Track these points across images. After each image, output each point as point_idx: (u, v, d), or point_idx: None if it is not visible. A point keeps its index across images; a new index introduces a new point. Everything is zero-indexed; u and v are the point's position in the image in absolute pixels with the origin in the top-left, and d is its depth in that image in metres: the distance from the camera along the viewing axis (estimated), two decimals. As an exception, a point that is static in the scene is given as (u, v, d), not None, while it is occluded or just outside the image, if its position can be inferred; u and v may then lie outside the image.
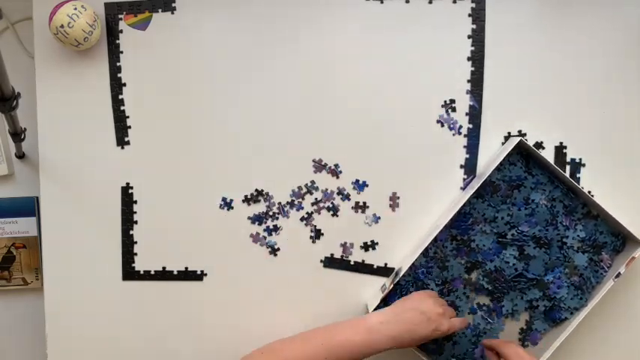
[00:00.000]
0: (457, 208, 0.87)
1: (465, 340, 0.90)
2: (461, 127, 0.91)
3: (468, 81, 0.91)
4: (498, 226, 0.90)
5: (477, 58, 0.91)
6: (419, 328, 0.77)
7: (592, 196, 0.90)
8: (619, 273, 0.86)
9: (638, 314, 0.91)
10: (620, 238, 0.90)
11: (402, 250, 0.92)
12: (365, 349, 0.77)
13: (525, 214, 0.89)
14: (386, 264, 0.92)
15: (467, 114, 0.91)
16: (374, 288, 0.92)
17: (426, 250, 0.89)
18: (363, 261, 0.92)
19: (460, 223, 0.90)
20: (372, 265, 0.92)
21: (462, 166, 0.91)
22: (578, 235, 0.89)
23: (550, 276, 0.89)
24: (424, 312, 0.78)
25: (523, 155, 0.90)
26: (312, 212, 0.92)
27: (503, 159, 0.87)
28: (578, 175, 0.91)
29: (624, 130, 0.91)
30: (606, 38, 0.90)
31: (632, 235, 0.87)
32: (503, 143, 0.91)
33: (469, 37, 0.91)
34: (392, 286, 0.87)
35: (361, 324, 0.78)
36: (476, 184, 0.87)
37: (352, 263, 0.92)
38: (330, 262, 0.92)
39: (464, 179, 0.91)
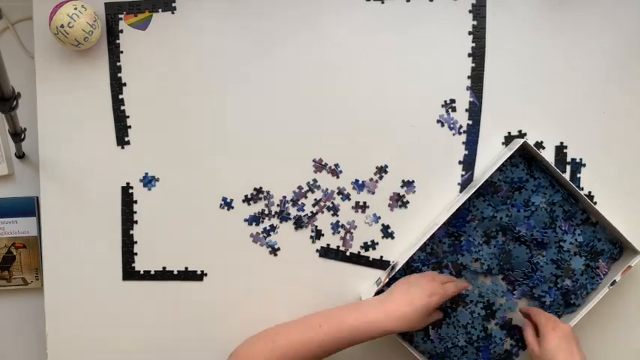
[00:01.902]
0: (457, 206, 0.87)
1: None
2: (461, 127, 0.91)
3: (469, 77, 0.91)
4: (495, 225, 0.90)
5: (478, 54, 0.91)
6: (415, 298, 0.79)
7: (592, 197, 0.90)
8: (614, 281, 0.86)
9: (631, 322, 0.91)
10: (617, 247, 0.90)
11: (400, 247, 0.92)
12: (360, 324, 0.78)
13: (524, 215, 0.89)
14: (382, 257, 0.92)
15: (466, 110, 0.91)
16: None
17: (424, 246, 0.89)
18: (359, 253, 0.92)
19: (458, 220, 0.90)
20: (368, 257, 0.92)
21: (460, 162, 0.92)
22: (576, 240, 0.89)
23: (542, 285, 0.89)
24: (415, 283, 0.81)
25: (525, 157, 0.90)
26: (312, 212, 0.92)
27: (506, 160, 0.87)
28: (578, 175, 0.91)
29: (624, 130, 0.90)
30: (606, 38, 0.90)
31: (629, 243, 0.86)
32: (503, 143, 0.91)
33: (470, 33, 0.91)
34: (387, 279, 0.87)
35: (356, 304, 0.81)
36: (477, 184, 0.87)
37: (348, 254, 0.92)
38: (325, 252, 0.92)
39: (462, 175, 0.91)
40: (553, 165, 0.87)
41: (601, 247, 0.89)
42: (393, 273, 0.88)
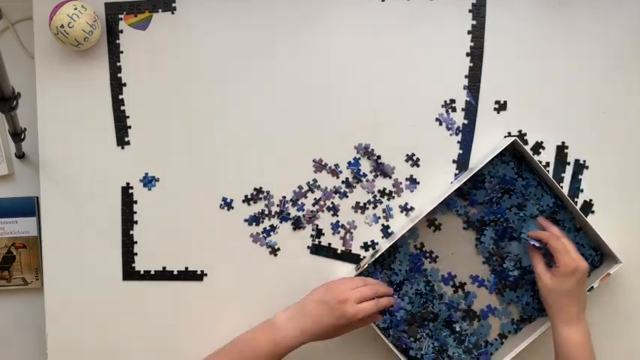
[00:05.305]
0: (442, 198, 0.87)
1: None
2: (459, 128, 0.91)
3: (466, 76, 0.91)
4: (480, 220, 0.90)
5: (476, 54, 0.91)
6: (323, 318, 0.78)
7: (588, 199, 0.90)
8: (592, 287, 0.85)
9: (609, 328, 0.90)
10: (598, 254, 0.90)
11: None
12: (274, 347, 0.79)
13: (509, 213, 0.90)
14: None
15: (463, 109, 0.91)
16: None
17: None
18: (350, 250, 0.92)
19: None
20: (359, 255, 0.92)
21: (454, 161, 0.92)
22: None
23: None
24: (326, 301, 0.79)
25: (516, 156, 0.90)
26: (312, 212, 0.92)
27: (496, 157, 0.87)
28: (579, 177, 0.91)
29: (624, 130, 0.90)
30: (606, 38, 0.90)
31: (610, 251, 0.86)
32: (503, 143, 0.92)
33: (469, 32, 0.91)
34: (366, 266, 0.88)
35: (268, 324, 0.82)
36: (464, 178, 0.87)
37: (339, 252, 0.92)
38: (316, 249, 0.92)
39: (455, 174, 0.91)
40: (543, 165, 0.87)
41: (582, 252, 0.88)
42: (373, 259, 0.88)
